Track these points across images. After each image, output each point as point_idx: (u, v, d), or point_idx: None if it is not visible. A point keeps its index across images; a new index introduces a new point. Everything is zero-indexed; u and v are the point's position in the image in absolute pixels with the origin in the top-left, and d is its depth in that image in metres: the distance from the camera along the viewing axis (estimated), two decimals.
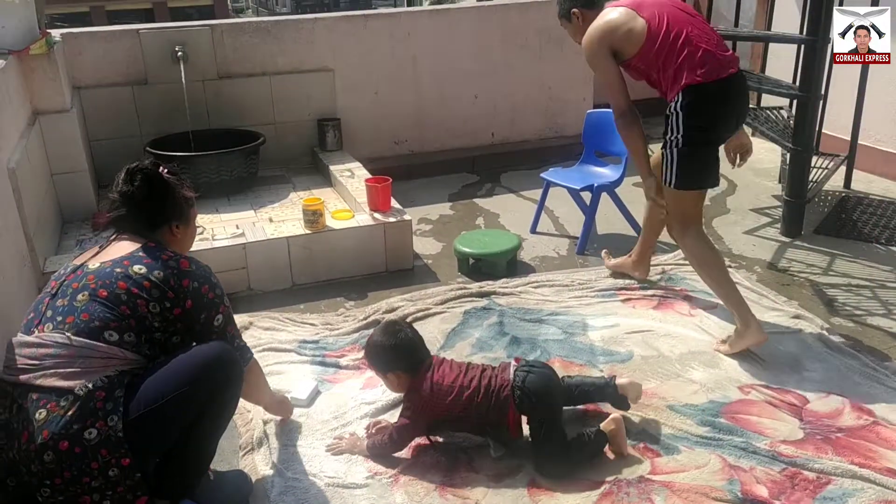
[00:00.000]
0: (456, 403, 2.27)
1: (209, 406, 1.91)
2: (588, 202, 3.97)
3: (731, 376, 2.72)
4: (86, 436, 1.76)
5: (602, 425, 2.31)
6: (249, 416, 2.56)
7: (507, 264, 3.63)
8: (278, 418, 2.53)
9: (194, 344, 1.96)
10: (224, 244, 3.44)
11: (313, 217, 3.52)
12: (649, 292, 3.37)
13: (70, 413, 1.76)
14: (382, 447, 2.33)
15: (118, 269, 1.90)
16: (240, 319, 3.13)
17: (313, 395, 2.67)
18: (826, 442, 2.35)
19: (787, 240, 3.91)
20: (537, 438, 2.27)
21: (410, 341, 2.35)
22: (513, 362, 2.36)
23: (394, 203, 3.80)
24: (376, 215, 3.70)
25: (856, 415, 2.48)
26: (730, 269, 3.51)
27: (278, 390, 2.59)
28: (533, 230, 4.13)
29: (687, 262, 3.59)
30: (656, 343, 2.96)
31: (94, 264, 1.94)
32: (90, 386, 1.78)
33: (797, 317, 3.10)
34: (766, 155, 5.17)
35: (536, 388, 2.24)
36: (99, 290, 1.87)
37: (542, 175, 4.04)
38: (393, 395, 2.58)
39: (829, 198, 4.46)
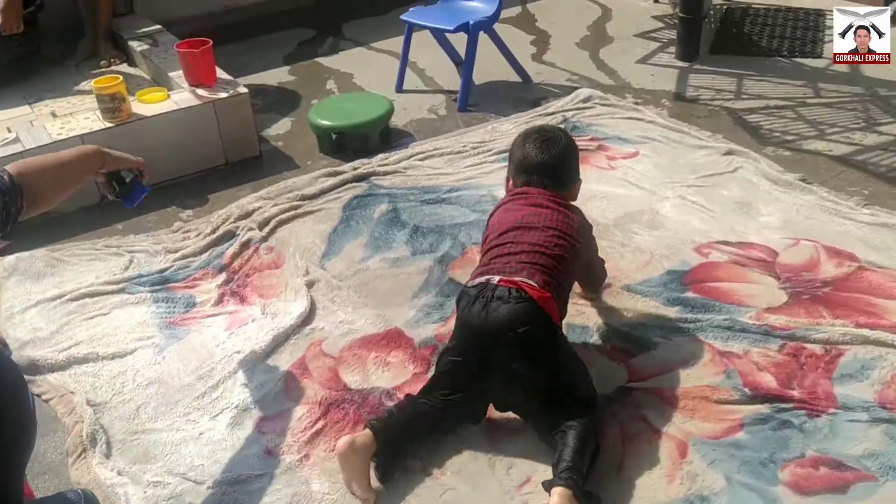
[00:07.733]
0: None
1: None
2: (464, 44, 3.25)
3: (681, 237, 2.26)
4: None
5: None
6: (71, 400, 1.80)
7: (380, 134, 2.91)
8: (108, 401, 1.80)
9: None
10: None
11: (112, 103, 2.58)
12: None
13: None
14: None
15: None
16: (37, 256, 2.29)
17: None
18: (815, 301, 1.95)
19: (684, 64, 3.44)
20: None
21: None
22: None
23: (220, 73, 2.91)
24: (200, 91, 2.80)
25: (835, 261, 2.09)
26: (638, 106, 3.02)
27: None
28: (399, 88, 3.38)
29: (590, 106, 3.05)
30: (583, 207, 2.43)
31: None
32: None
33: (729, 153, 2.65)
34: None
35: None
36: None
37: (402, 17, 3.25)
38: (277, 335, 1.91)
39: (712, 12, 4.01)
